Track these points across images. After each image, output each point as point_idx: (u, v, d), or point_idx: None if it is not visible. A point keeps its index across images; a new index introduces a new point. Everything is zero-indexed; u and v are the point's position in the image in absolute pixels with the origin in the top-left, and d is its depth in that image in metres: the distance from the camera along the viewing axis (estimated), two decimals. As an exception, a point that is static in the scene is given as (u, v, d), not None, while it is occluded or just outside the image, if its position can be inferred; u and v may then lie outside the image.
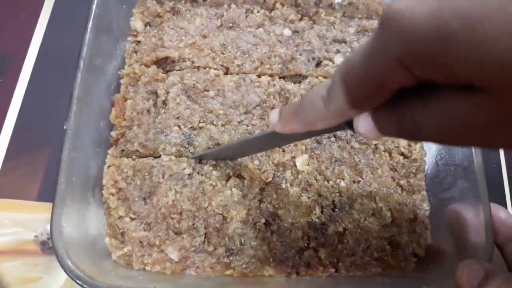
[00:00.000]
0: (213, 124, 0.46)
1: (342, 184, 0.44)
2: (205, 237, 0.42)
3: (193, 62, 0.49)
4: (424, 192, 0.46)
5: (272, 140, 0.38)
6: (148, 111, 0.47)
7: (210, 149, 0.44)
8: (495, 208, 0.39)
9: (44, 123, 0.54)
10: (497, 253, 0.37)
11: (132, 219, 0.43)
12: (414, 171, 0.46)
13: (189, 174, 0.44)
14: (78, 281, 0.35)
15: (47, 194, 0.50)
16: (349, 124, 0.26)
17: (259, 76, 0.49)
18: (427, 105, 0.21)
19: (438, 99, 0.21)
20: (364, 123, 0.25)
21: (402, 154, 0.47)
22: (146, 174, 0.44)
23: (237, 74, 0.49)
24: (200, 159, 0.45)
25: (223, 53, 0.50)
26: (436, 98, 0.21)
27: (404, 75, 0.20)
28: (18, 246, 0.48)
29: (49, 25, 0.59)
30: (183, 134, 0.45)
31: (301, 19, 0.54)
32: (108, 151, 0.45)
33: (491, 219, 0.38)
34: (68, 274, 0.35)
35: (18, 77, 0.56)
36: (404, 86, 0.21)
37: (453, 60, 0.18)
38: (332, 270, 0.42)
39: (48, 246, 0.48)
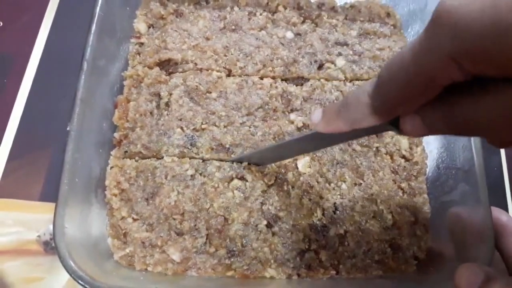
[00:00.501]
0: (216, 126, 0.46)
1: (344, 186, 0.45)
2: (206, 238, 0.42)
3: (196, 64, 0.49)
4: (425, 195, 0.46)
5: (314, 142, 0.38)
6: (151, 112, 0.47)
7: (250, 152, 0.45)
8: (496, 212, 0.39)
9: (47, 124, 0.54)
10: (497, 257, 0.37)
11: (134, 219, 0.43)
12: (415, 174, 0.46)
13: (191, 175, 0.44)
14: (80, 281, 0.35)
15: (50, 194, 0.51)
16: (393, 123, 0.26)
17: (261, 78, 0.49)
18: (478, 100, 0.21)
19: (490, 93, 0.21)
20: (411, 121, 0.25)
21: (403, 157, 0.47)
22: (149, 175, 0.44)
23: (240, 76, 0.49)
24: (239, 162, 0.45)
25: (225, 55, 0.50)
26: (487, 92, 0.21)
27: (456, 70, 0.20)
28: (21, 246, 0.49)
29: (53, 26, 0.60)
30: (185, 135, 0.46)
31: (303, 22, 0.54)
32: (111, 152, 0.46)
33: (492, 222, 0.38)
34: (70, 275, 0.35)
35: (22, 78, 0.57)
36: (454, 82, 0.21)
37: (509, 55, 0.18)
38: (333, 272, 0.42)
39: (50, 246, 0.49)
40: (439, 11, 0.20)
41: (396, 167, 0.47)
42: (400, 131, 0.27)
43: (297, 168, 0.46)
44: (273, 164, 0.45)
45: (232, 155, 0.45)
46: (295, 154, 0.44)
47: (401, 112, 0.25)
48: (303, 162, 0.46)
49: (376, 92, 0.26)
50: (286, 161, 0.45)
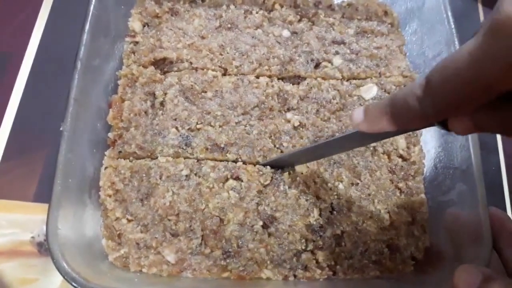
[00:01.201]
0: (211, 125, 0.46)
1: (341, 186, 0.44)
2: (202, 239, 0.42)
3: (191, 63, 0.49)
4: (423, 195, 0.46)
5: (352, 141, 0.38)
6: (146, 112, 0.47)
7: (283, 154, 0.44)
8: (494, 212, 0.39)
9: (42, 124, 0.54)
10: (495, 257, 0.37)
11: (129, 220, 0.43)
12: (412, 173, 0.46)
13: (186, 176, 0.44)
14: (73, 283, 0.35)
15: (44, 195, 0.50)
16: (440, 122, 0.27)
17: (257, 77, 0.49)
18: None
19: None
20: (461, 122, 0.26)
21: (400, 156, 0.47)
22: (144, 175, 0.44)
23: (236, 75, 0.49)
24: (271, 166, 0.44)
25: (221, 54, 0.50)
26: None
27: None
28: (15, 247, 0.48)
29: (47, 25, 0.59)
30: (180, 135, 0.45)
31: (300, 20, 0.54)
32: (105, 153, 0.45)
33: (490, 222, 0.38)
34: (63, 276, 0.35)
35: (16, 77, 0.56)
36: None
37: None
38: (330, 273, 0.42)
39: (44, 248, 0.48)
40: (497, 20, 0.20)
41: (394, 167, 0.46)
42: (447, 129, 0.27)
43: (294, 168, 0.45)
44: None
45: (227, 155, 0.44)
46: (331, 154, 0.44)
47: (452, 115, 0.26)
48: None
49: (426, 95, 0.26)
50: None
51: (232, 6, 0.53)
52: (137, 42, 0.51)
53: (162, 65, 0.49)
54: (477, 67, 0.22)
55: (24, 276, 0.47)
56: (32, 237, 0.48)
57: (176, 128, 0.45)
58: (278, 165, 0.45)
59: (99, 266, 0.40)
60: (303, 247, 0.42)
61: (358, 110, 0.32)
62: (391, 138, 0.47)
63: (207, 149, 0.45)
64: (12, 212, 0.50)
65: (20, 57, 0.57)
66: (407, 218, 0.44)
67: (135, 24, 0.51)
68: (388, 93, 0.49)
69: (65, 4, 0.60)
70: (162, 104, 0.47)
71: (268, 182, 0.44)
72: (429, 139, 0.48)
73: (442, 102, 0.25)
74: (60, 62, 0.53)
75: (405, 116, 0.28)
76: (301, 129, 0.47)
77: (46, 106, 0.54)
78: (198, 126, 0.46)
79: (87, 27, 0.44)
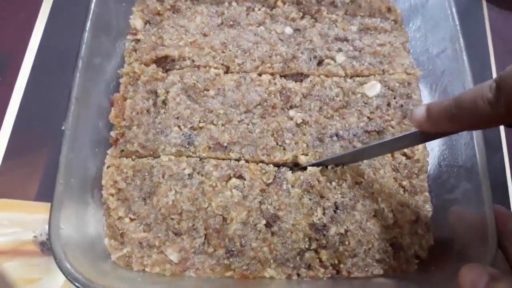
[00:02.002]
0: (213, 124, 0.46)
1: (344, 185, 0.44)
2: (205, 238, 0.42)
3: (193, 61, 0.48)
4: (427, 193, 0.45)
5: (414, 140, 0.37)
6: (148, 110, 0.46)
7: (343, 152, 0.44)
8: (499, 210, 0.38)
9: (43, 123, 0.53)
10: (500, 256, 0.37)
11: (131, 219, 0.43)
12: (416, 171, 0.46)
13: (189, 174, 0.43)
14: (76, 283, 0.34)
15: (46, 194, 0.50)
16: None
17: (259, 74, 0.48)
18: None
19: None
20: None
21: (404, 154, 0.47)
22: (146, 174, 0.43)
23: (238, 73, 0.48)
24: (319, 165, 0.44)
25: (223, 52, 0.49)
26: None
27: None
28: (17, 246, 0.48)
29: (48, 24, 0.59)
30: (183, 134, 0.45)
31: (302, 17, 0.53)
32: (108, 152, 0.45)
33: (495, 221, 0.37)
34: (66, 276, 0.35)
35: (17, 76, 0.56)
36: None
37: None
38: (333, 271, 0.42)
39: (47, 247, 0.48)
40: None
41: (397, 165, 0.46)
42: None
43: (296, 168, 0.45)
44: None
45: (230, 154, 0.44)
46: (388, 152, 0.44)
47: None
48: (303, 161, 0.45)
49: (498, 99, 0.26)
50: (286, 160, 0.45)
51: (234, 3, 0.53)
52: (138, 40, 0.50)
53: (164, 63, 0.49)
54: None
55: (27, 276, 0.47)
56: (35, 237, 0.48)
57: (179, 126, 0.45)
58: (337, 163, 0.44)
59: (102, 265, 0.40)
60: (307, 246, 0.42)
61: (420, 109, 0.32)
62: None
63: (209, 147, 0.44)
64: (14, 211, 0.50)
65: (21, 57, 0.57)
66: (411, 217, 0.44)
67: (136, 21, 0.51)
68: (392, 90, 0.49)
69: (65, 2, 0.60)
70: (164, 102, 0.46)
71: (271, 180, 0.43)
72: (433, 137, 0.47)
73: None
74: (61, 61, 0.52)
75: (472, 117, 0.28)
76: (304, 126, 0.46)
77: (48, 105, 0.54)
78: (200, 125, 0.45)
79: (88, 25, 0.43)
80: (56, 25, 0.59)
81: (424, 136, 0.35)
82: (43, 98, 0.54)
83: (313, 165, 0.44)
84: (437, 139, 0.38)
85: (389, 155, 0.46)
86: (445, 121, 0.31)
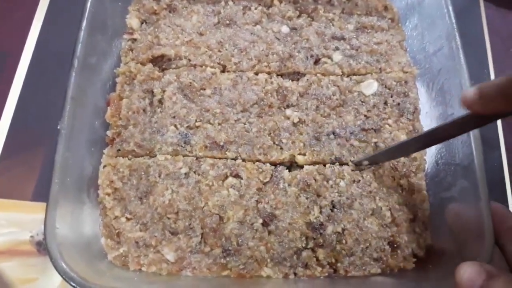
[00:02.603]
0: (210, 123, 0.45)
1: (342, 183, 0.44)
2: (201, 238, 0.42)
3: (189, 60, 0.48)
4: (424, 192, 0.45)
5: (464, 125, 0.35)
6: (144, 110, 0.46)
7: (379, 150, 0.44)
8: (496, 207, 0.38)
9: (40, 122, 0.53)
10: (497, 253, 0.37)
11: (128, 219, 0.43)
12: (414, 170, 0.46)
13: (185, 174, 0.43)
14: (72, 283, 0.34)
15: (43, 194, 0.50)
16: None
17: (256, 73, 0.48)
18: None
19: None
20: None
21: (402, 153, 0.46)
22: (143, 173, 0.43)
23: (234, 72, 0.48)
24: (359, 164, 0.44)
25: (220, 51, 0.49)
26: None
27: None
28: (14, 246, 0.48)
29: (44, 23, 0.59)
30: (179, 133, 0.45)
31: (299, 16, 0.53)
32: (104, 151, 0.45)
33: (492, 219, 0.37)
34: (62, 276, 0.35)
35: (14, 76, 0.56)
36: None
37: None
38: (331, 270, 0.42)
39: (43, 247, 0.48)
40: None
41: (395, 163, 0.46)
42: None
43: (295, 165, 0.45)
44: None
45: (227, 153, 0.44)
46: (436, 143, 0.42)
47: None
48: (301, 160, 0.45)
49: None
50: (283, 159, 0.45)
51: (230, 2, 0.53)
52: (135, 39, 0.50)
53: (160, 62, 0.49)
54: None
55: (24, 276, 0.47)
56: (31, 236, 0.48)
57: (175, 125, 0.45)
58: (375, 162, 0.44)
59: (98, 265, 0.40)
60: (304, 245, 0.42)
61: (470, 90, 0.30)
62: (392, 135, 0.46)
63: (206, 147, 0.44)
64: (10, 211, 0.49)
65: (17, 56, 0.57)
66: (408, 215, 0.44)
67: (132, 21, 0.51)
68: (389, 89, 0.49)
69: (62, 1, 0.60)
70: (160, 101, 0.46)
71: (267, 179, 0.43)
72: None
73: None
74: (58, 60, 0.52)
75: None
76: (300, 125, 0.46)
77: (44, 104, 0.54)
78: (197, 124, 0.45)
79: (84, 24, 0.43)
80: (53, 24, 0.59)
81: (475, 121, 0.32)
82: (40, 97, 0.54)
83: (361, 160, 0.44)
84: (489, 123, 0.33)
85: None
86: (499, 99, 0.29)
